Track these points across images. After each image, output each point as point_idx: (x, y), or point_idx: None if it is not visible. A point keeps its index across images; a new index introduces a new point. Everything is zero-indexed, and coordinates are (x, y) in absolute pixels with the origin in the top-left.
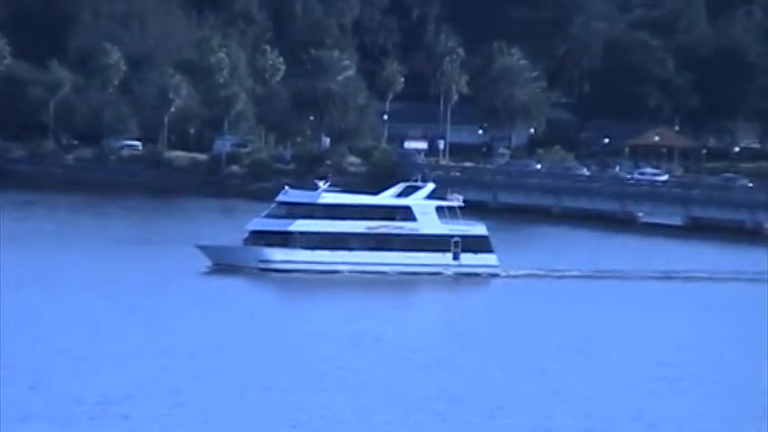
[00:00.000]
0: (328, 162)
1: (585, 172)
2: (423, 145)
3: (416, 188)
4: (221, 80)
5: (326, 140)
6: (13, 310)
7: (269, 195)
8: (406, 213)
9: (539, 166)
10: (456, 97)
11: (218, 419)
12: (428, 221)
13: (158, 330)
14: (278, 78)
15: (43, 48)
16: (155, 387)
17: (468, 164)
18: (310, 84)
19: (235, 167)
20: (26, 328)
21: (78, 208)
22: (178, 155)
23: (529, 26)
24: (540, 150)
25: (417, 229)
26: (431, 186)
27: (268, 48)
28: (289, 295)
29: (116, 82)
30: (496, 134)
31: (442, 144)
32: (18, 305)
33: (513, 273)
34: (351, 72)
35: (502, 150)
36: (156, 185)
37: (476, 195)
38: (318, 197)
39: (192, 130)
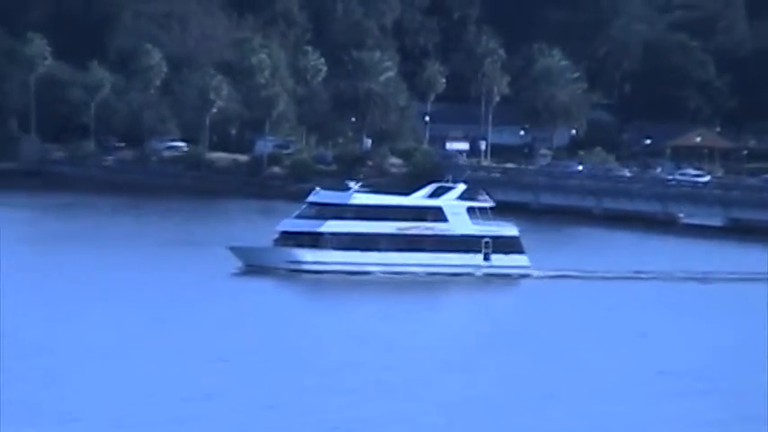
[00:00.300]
0: (370, 163)
1: (626, 173)
2: (464, 146)
3: (448, 189)
4: (262, 81)
5: (368, 141)
6: (45, 311)
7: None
8: (438, 214)
9: (580, 168)
10: (497, 98)
11: (254, 422)
12: (459, 222)
13: (184, 332)
14: (319, 79)
15: (84, 49)
16: (187, 390)
17: (509, 165)
18: (351, 85)
19: (276, 168)
20: (56, 328)
21: (118, 209)
22: (219, 156)
23: (569, 27)
24: (581, 152)
25: (448, 230)
26: (462, 187)
27: (309, 49)
28: (319, 296)
29: (157, 83)
30: (538, 135)
31: (483, 145)
32: (50, 306)
33: (545, 273)
34: (392, 73)
35: (543, 151)
36: (197, 187)
37: (517, 196)
38: (349, 198)
39: (233, 132)
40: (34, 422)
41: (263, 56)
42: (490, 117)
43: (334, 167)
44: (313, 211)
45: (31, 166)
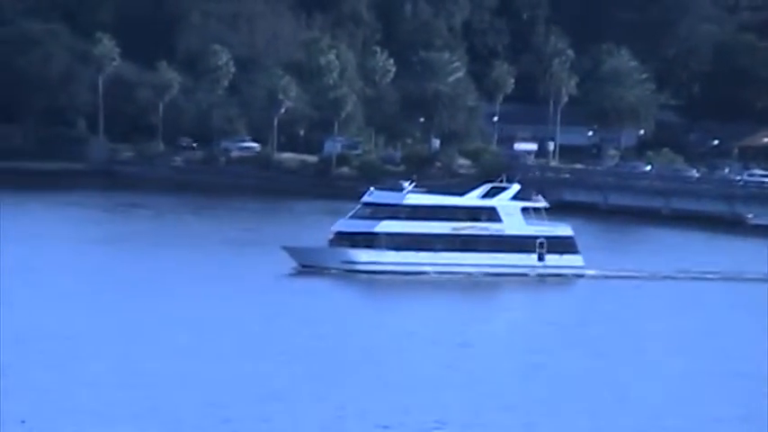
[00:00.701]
0: (438, 164)
1: (695, 174)
2: (532, 147)
3: (502, 189)
4: (331, 82)
5: (436, 142)
6: (110, 311)
7: None
8: (492, 214)
9: (648, 168)
10: (565, 99)
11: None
12: (513, 222)
13: (237, 333)
14: (387, 80)
15: (152, 49)
16: (250, 390)
17: (577, 166)
18: (420, 85)
19: (344, 169)
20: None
21: (185, 210)
22: (288, 157)
23: (637, 28)
24: (649, 152)
25: (503, 230)
26: (516, 187)
27: (378, 49)
28: (374, 296)
29: (225, 83)
30: (605, 136)
31: (551, 146)
32: (115, 306)
33: (600, 273)
34: (460, 74)
35: (611, 152)
36: (266, 187)
37: (586, 197)
38: (404, 198)
39: (301, 132)
40: (109, 421)
41: (331, 56)
42: (558, 118)
43: (402, 168)
44: (368, 211)
45: (100, 167)
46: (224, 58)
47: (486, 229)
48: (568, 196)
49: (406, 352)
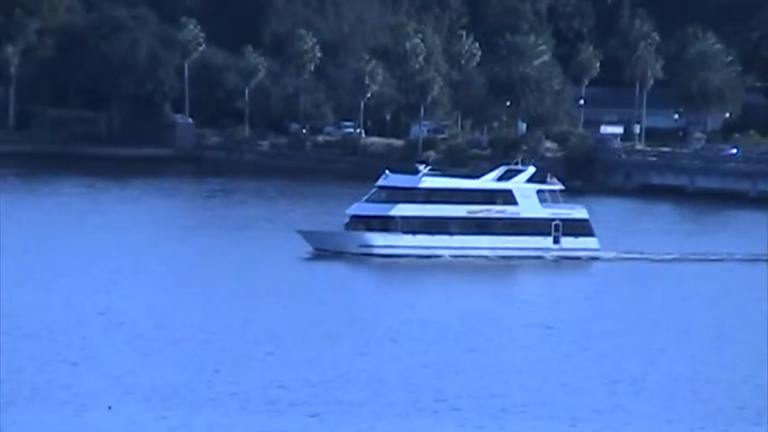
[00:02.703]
0: (524, 147)
1: None
2: (618, 130)
3: (517, 172)
4: (417, 66)
5: (523, 125)
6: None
7: None
8: (507, 197)
9: (734, 151)
10: (651, 82)
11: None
12: (529, 205)
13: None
14: (473, 64)
15: (238, 34)
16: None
17: (664, 149)
18: (506, 69)
19: (431, 153)
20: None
21: (270, 194)
22: (374, 141)
23: (723, 11)
24: (735, 135)
25: (518, 213)
26: (531, 170)
27: (463, 33)
28: (391, 280)
29: (311, 68)
30: (692, 119)
31: (637, 129)
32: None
33: (616, 255)
34: (546, 57)
35: (697, 135)
36: (352, 172)
37: (673, 180)
38: (419, 181)
39: (387, 116)
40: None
41: (417, 41)
42: (644, 101)
43: (488, 152)
44: (383, 194)
45: (186, 152)
46: (310, 42)
47: (501, 211)
48: (655, 179)
49: (421, 335)
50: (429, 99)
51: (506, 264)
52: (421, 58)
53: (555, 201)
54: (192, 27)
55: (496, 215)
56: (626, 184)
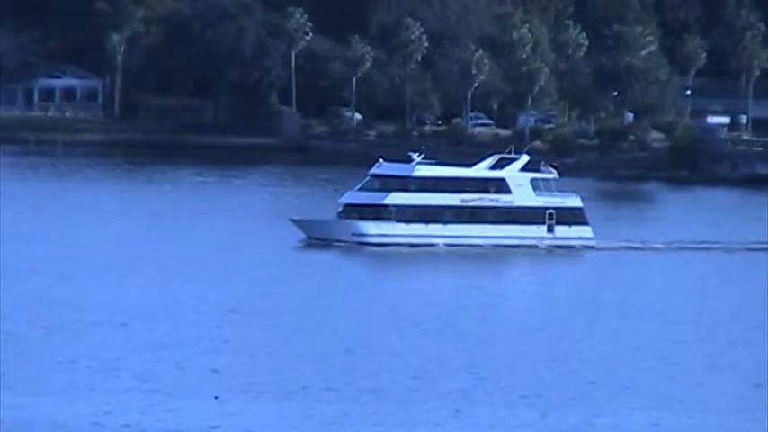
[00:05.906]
0: (631, 137)
1: None
2: (725, 120)
3: (511, 160)
4: (523, 56)
5: (629, 116)
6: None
7: (571, 171)
8: (501, 186)
9: None
10: (757, 72)
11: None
12: (523, 194)
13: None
14: (580, 54)
15: (344, 24)
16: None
17: None
18: (612, 59)
19: (538, 143)
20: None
21: None
22: (481, 131)
23: None
24: None
25: (512, 202)
26: (525, 158)
27: (570, 23)
28: (384, 268)
29: (417, 58)
30: None
31: (743, 119)
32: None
33: (609, 245)
34: (653, 47)
35: None
36: (459, 162)
37: None
38: (413, 170)
39: (494, 106)
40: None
41: (524, 30)
42: (750, 91)
43: (595, 142)
44: (376, 183)
45: (293, 142)
46: (417, 32)
47: (495, 200)
48: (761, 169)
49: (415, 322)
50: (536, 89)
51: (499, 252)
52: (527, 48)
53: (549, 189)
54: (298, 16)
55: (490, 204)
56: (732, 174)
